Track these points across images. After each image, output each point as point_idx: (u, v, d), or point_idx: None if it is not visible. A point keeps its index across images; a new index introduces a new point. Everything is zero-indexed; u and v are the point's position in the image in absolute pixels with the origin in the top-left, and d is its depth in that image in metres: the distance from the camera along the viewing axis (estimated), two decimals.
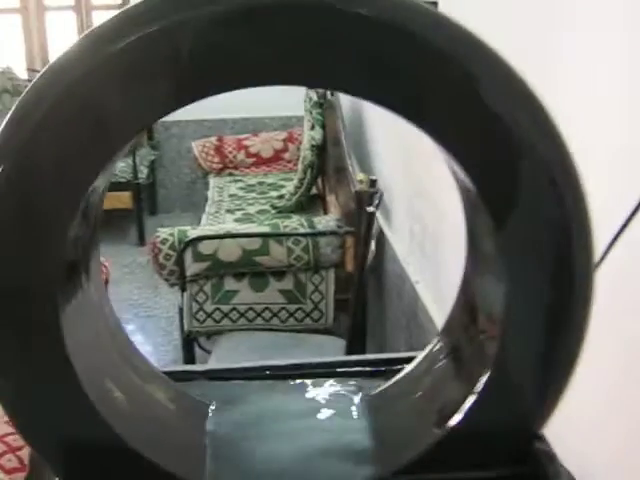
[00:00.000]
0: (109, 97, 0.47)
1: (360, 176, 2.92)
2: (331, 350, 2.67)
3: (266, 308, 3.13)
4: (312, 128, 3.55)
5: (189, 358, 3.16)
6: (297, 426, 0.60)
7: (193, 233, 3.02)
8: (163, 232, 3.06)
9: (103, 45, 0.46)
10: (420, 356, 0.63)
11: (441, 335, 0.61)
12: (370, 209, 2.49)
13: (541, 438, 0.53)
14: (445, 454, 0.52)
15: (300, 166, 3.68)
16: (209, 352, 3.03)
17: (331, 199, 3.47)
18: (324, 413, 0.61)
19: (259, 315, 3.15)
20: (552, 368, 0.50)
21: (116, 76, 0.46)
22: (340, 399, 0.63)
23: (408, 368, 0.62)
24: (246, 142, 4.44)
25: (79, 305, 0.51)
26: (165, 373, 0.64)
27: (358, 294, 2.92)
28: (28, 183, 0.47)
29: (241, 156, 4.39)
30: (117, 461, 0.51)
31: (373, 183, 2.61)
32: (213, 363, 2.69)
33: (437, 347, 0.61)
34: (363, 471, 0.54)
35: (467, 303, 0.57)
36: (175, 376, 0.65)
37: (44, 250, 0.47)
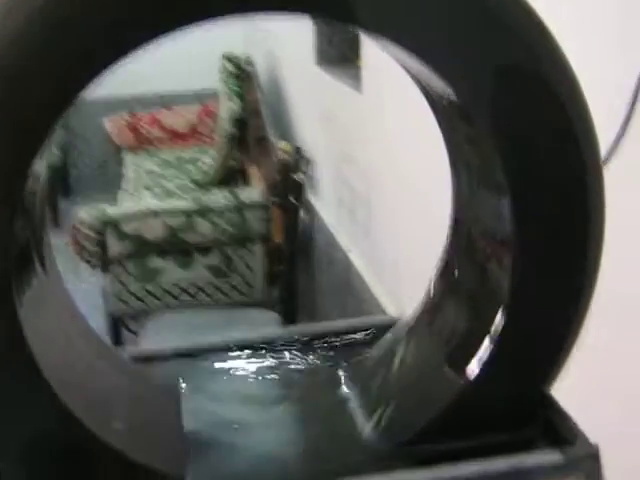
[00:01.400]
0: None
1: (283, 145, 2.87)
2: (265, 324, 2.62)
3: (193, 285, 3.06)
4: (230, 100, 3.47)
5: (116, 341, 3.06)
6: (285, 402, 0.56)
7: (115, 212, 2.92)
8: (83, 212, 2.94)
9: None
10: (406, 318, 0.59)
11: (436, 285, 0.57)
12: (299, 177, 2.44)
13: (549, 398, 0.51)
14: (454, 421, 0.49)
15: (219, 139, 3.59)
16: (136, 334, 2.94)
17: (253, 171, 3.41)
18: (306, 387, 0.57)
19: (186, 292, 3.08)
20: (568, 300, 0.47)
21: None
22: (324, 370, 0.59)
23: (392, 332, 0.58)
24: (160, 117, 4.32)
25: (37, 295, 0.45)
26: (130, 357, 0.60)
27: (289, 265, 2.89)
28: None
29: (155, 131, 4.27)
30: (88, 457, 0.46)
31: (298, 151, 2.56)
32: (143, 345, 2.61)
33: (428, 303, 0.57)
34: (366, 446, 0.50)
35: (465, 233, 0.53)
36: (137, 358, 0.61)
37: None
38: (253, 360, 0.62)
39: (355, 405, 0.55)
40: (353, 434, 0.52)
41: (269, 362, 0.61)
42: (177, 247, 3.01)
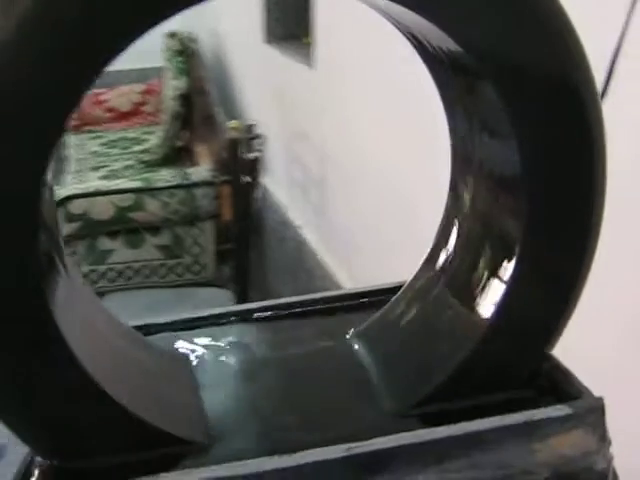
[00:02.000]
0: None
1: (233, 123, 2.86)
2: (218, 302, 2.63)
3: (144, 266, 3.04)
4: (175, 78, 3.43)
5: None
6: (294, 368, 0.57)
7: (61, 192, 2.87)
8: None
9: None
10: (410, 280, 0.60)
11: (441, 239, 0.58)
12: (254, 155, 2.44)
13: (550, 357, 0.53)
14: (464, 380, 0.51)
15: (165, 117, 3.55)
16: None
17: (201, 149, 3.38)
18: (318, 351, 0.58)
19: (137, 273, 3.05)
20: (576, 246, 0.48)
21: None
22: (331, 335, 0.60)
23: (399, 294, 0.60)
24: (102, 97, 4.24)
25: (63, 293, 0.46)
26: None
27: (239, 243, 2.89)
28: None
29: (98, 111, 4.20)
30: (121, 430, 0.47)
31: (250, 129, 2.56)
32: None
33: (433, 263, 0.58)
34: (379, 407, 0.52)
35: (468, 181, 0.54)
36: (142, 331, 0.61)
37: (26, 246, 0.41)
38: (253, 330, 0.63)
39: (365, 368, 0.57)
40: (364, 397, 0.53)
41: (272, 331, 0.63)
42: (126, 227, 2.98)
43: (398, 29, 0.53)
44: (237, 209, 2.91)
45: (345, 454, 0.45)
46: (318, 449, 0.45)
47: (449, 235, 0.56)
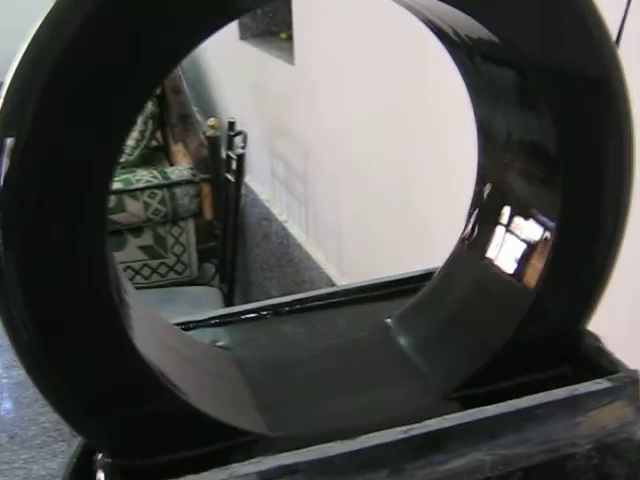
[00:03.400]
0: None
1: (211, 121, 2.86)
2: (208, 300, 2.64)
3: (128, 267, 3.04)
4: None
5: None
6: (338, 355, 0.59)
7: None
8: None
9: None
10: (445, 264, 0.61)
11: (476, 221, 0.59)
12: (237, 152, 2.45)
13: (584, 333, 0.55)
14: (505, 362, 0.53)
15: (139, 118, 3.54)
16: None
17: (178, 149, 3.38)
18: (358, 339, 0.60)
19: None
20: (610, 218, 0.50)
21: None
22: (367, 324, 0.62)
23: (435, 278, 0.61)
24: None
25: (128, 308, 0.48)
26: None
27: (224, 241, 2.90)
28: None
29: None
30: (179, 425, 0.49)
31: (232, 126, 2.57)
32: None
33: (468, 245, 0.60)
34: (426, 390, 0.54)
35: (498, 158, 0.56)
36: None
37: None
38: (288, 323, 0.64)
39: (407, 353, 0.58)
40: (411, 381, 0.55)
41: (307, 323, 0.64)
42: (109, 229, 2.97)
43: (416, 16, 0.55)
44: (219, 207, 2.92)
45: (404, 436, 0.47)
46: (378, 432, 0.47)
47: (482, 216, 0.58)
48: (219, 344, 0.62)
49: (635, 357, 0.54)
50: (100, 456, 0.49)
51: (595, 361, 0.54)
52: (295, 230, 2.52)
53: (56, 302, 0.44)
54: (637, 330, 0.92)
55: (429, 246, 1.57)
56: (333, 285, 2.16)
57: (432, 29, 0.55)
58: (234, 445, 0.49)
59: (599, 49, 0.48)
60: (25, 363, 0.45)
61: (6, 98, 0.41)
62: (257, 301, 0.68)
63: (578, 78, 0.48)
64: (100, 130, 0.42)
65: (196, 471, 0.45)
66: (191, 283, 3.12)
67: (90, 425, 0.47)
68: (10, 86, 0.41)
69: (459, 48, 0.54)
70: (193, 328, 0.64)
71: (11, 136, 0.41)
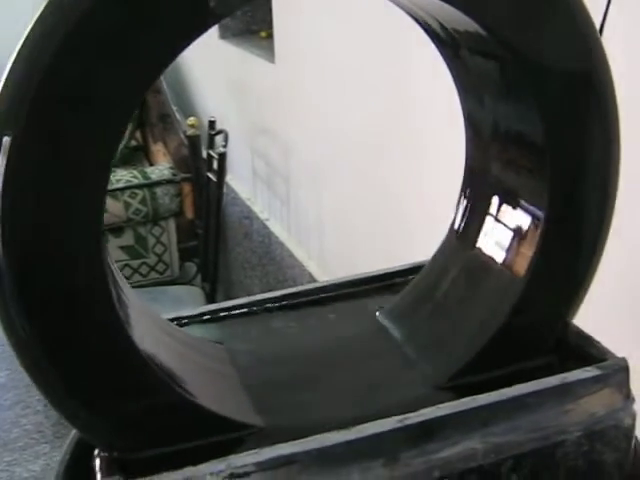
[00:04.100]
0: None
1: (191, 120, 2.86)
2: (190, 299, 2.64)
3: None
4: None
5: None
6: (330, 348, 0.60)
7: None
8: None
9: None
10: (434, 256, 0.62)
11: (466, 212, 0.60)
12: (218, 150, 2.45)
13: (570, 323, 0.56)
14: (495, 352, 0.54)
15: None
16: None
17: (158, 148, 3.37)
18: (351, 331, 0.61)
19: None
20: (598, 208, 0.51)
21: None
22: (358, 317, 0.63)
23: (424, 270, 0.62)
24: None
25: (123, 303, 0.49)
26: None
27: (205, 240, 2.89)
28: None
29: None
30: (177, 418, 0.49)
31: (212, 125, 2.57)
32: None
33: (457, 236, 0.60)
34: (419, 380, 0.55)
35: (486, 148, 0.56)
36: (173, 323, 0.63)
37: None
38: (280, 318, 0.65)
39: (399, 344, 0.59)
40: (403, 371, 0.56)
41: (298, 317, 0.65)
42: None
43: (402, 9, 0.55)
44: (200, 206, 2.92)
45: (399, 425, 0.48)
46: (374, 422, 0.48)
47: (471, 206, 0.59)
48: (213, 339, 0.62)
49: (616, 347, 0.56)
50: (97, 451, 0.50)
51: (583, 349, 0.55)
52: (277, 228, 2.52)
53: (54, 300, 0.44)
54: (619, 322, 0.93)
55: (410, 242, 1.58)
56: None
57: (419, 23, 0.56)
58: (231, 437, 0.49)
59: (584, 40, 0.49)
60: (22, 359, 0.45)
61: (1, 96, 0.42)
62: (248, 296, 0.68)
63: (564, 69, 0.49)
64: (95, 129, 0.43)
65: (194, 463, 0.46)
66: (173, 283, 3.12)
67: (89, 420, 0.48)
68: (5, 85, 0.42)
69: (446, 41, 0.55)
70: (186, 324, 0.65)
71: (7, 135, 0.41)
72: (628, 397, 0.53)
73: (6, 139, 0.42)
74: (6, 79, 0.42)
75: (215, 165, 2.54)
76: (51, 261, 0.44)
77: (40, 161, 0.42)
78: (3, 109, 0.42)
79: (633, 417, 0.53)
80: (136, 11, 0.42)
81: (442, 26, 0.53)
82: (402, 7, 0.55)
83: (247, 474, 0.45)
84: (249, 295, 0.67)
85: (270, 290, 0.70)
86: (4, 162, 0.42)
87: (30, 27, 0.42)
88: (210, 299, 2.75)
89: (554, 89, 0.49)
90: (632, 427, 0.53)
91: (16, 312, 0.43)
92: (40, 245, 0.43)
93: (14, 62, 0.42)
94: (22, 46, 0.42)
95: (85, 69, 0.41)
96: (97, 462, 0.49)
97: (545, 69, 0.49)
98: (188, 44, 0.43)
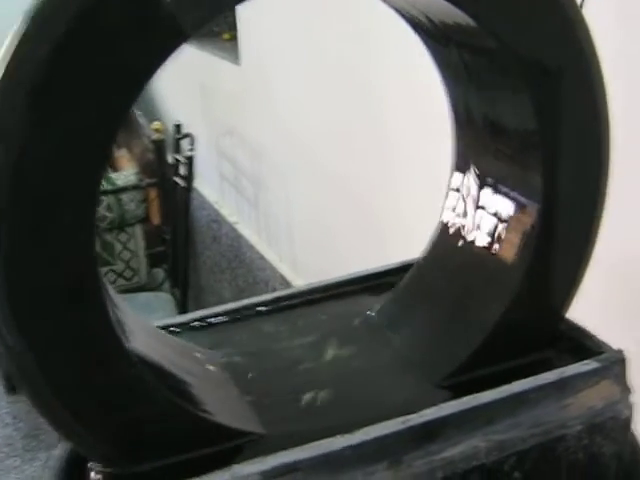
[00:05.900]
0: None
1: (155, 125, 2.83)
2: (160, 305, 2.61)
3: None
4: None
5: None
6: (324, 351, 0.59)
7: None
8: None
9: None
10: (425, 253, 0.62)
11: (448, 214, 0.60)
12: (187, 154, 2.42)
13: (566, 318, 0.56)
14: (492, 348, 0.53)
15: None
16: None
17: (122, 154, 3.33)
18: (343, 332, 0.60)
19: None
20: (591, 201, 0.51)
21: None
22: (350, 317, 0.62)
23: (415, 267, 0.61)
24: None
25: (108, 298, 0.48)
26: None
27: (173, 246, 2.87)
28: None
29: None
30: (176, 429, 0.48)
31: (178, 129, 2.54)
32: None
33: (449, 232, 0.60)
34: (417, 379, 0.54)
35: (476, 140, 0.56)
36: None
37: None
38: (270, 322, 0.64)
39: (395, 343, 0.58)
40: (401, 371, 0.55)
41: (289, 320, 0.64)
42: None
43: (386, 4, 0.55)
44: (166, 211, 2.89)
45: (402, 427, 0.47)
46: (376, 425, 0.47)
47: (461, 201, 0.58)
48: (205, 346, 0.61)
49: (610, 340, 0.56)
50: (92, 464, 0.48)
51: (580, 343, 0.55)
52: (246, 231, 2.51)
53: (44, 303, 0.43)
54: (613, 315, 0.94)
55: (383, 243, 1.58)
56: (288, 285, 2.16)
57: (404, 17, 0.55)
58: (232, 446, 0.48)
59: (574, 30, 0.49)
60: (14, 370, 0.44)
61: None
62: (235, 301, 0.67)
63: (555, 61, 0.49)
64: (87, 132, 0.42)
65: (195, 474, 0.45)
66: (141, 289, 3.08)
67: (84, 433, 0.46)
68: None
69: (433, 35, 0.54)
70: (176, 332, 0.64)
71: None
72: (626, 389, 0.53)
73: None
74: None
75: (182, 169, 2.52)
76: (42, 264, 0.42)
77: (32, 167, 0.41)
78: None
79: (631, 409, 0.53)
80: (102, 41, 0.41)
81: (429, 19, 0.52)
82: (384, 1, 0.55)
83: None
84: (219, 299, 0.66)
85: (240, 293, 0.69)
86: None
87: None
88: (181, 305, 2.73)
89: (546, 81, 0.49)
90: (630, 419, 0.54)
91: (3, 318, 0.42)
92: (30, 249, 0.42)
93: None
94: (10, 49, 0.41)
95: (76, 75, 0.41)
96: (92, 477, 0.48)
97: (536, 61, 0.49)
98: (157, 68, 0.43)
